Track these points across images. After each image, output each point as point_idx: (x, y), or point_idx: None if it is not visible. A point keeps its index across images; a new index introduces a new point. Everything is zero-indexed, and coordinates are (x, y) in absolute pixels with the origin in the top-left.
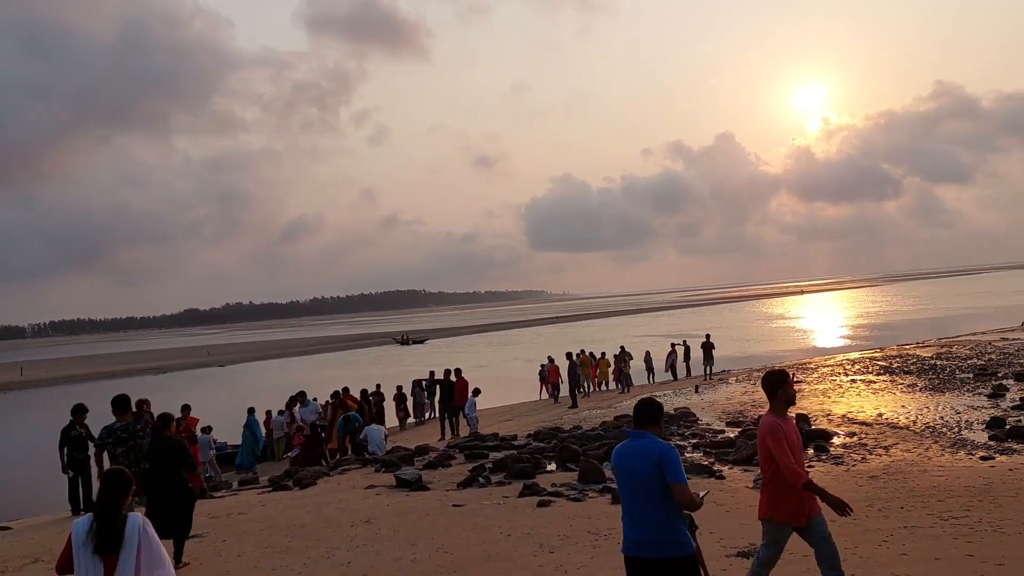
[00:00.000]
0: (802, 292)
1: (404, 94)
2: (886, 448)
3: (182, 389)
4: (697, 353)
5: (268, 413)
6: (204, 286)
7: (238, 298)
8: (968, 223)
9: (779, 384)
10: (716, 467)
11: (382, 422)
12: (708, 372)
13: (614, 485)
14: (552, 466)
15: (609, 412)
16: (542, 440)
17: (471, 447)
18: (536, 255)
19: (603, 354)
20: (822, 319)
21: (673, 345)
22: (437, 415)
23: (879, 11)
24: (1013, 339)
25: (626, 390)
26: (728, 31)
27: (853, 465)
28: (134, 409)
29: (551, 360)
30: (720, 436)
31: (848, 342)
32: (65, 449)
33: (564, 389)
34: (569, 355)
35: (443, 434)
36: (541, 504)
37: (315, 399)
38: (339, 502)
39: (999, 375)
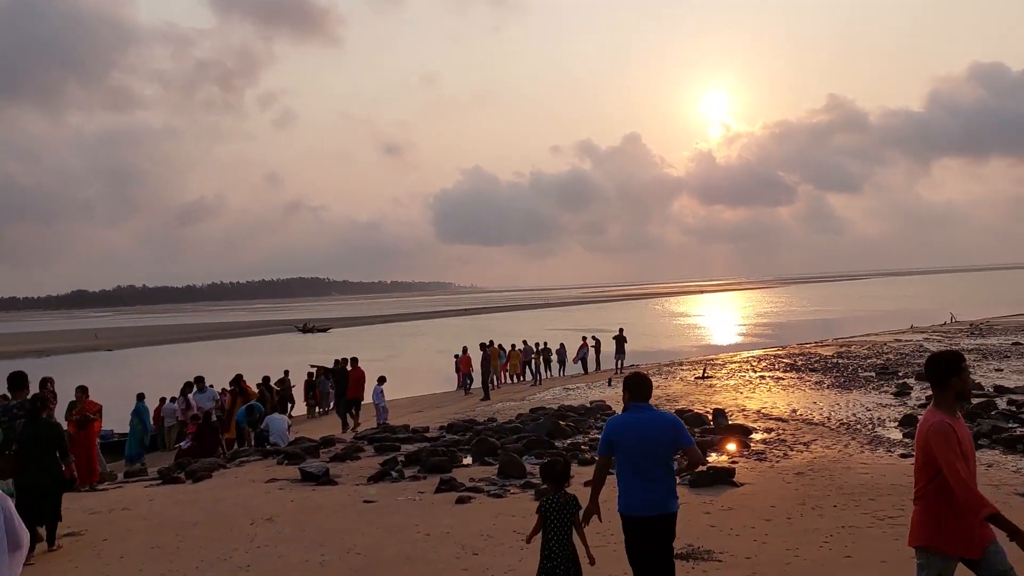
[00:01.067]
0: (702, 292)
1: (313, 79)
2: (806, 444)
3: (66, 374)
4: (608, 347)
5: (162, 400)
6: (94, 267)
7: (131, 280)
8: (855, 230)
9: (953, 371)
10: None
11: (284, 411)
12: (620, 365)
13: (536, 480)
14: (468, 460)
15: (523, 405)
16: (456, 433)
17: (381, 439)
18: (443, 246)
19: (513, 346)
20: (723, 318)
21: (584, 338)
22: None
23: (779, 25)
24: (906, 340)
25: (538, 382)
26: (638, 35)
27: (776, 461)
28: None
29: (465, 350)
30: None
31: (750, 340)
32: None
33: (478, 380)
34: (483, 346)
35: (344, 427)
36: (460, 501)
37: (211, 386)
38: (237, 497)
39: (900, 374)
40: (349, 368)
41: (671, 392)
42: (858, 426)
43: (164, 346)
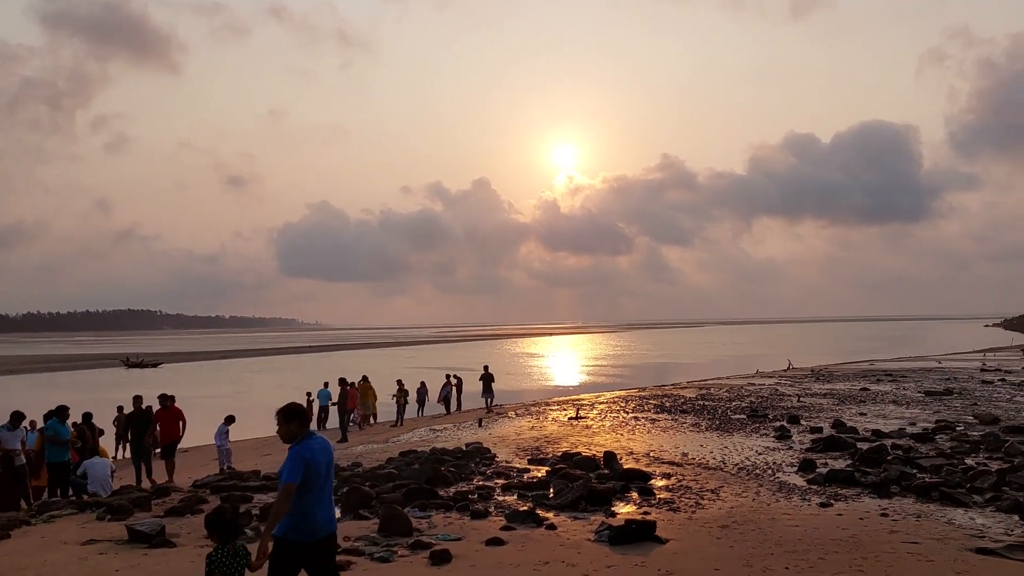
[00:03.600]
0: (550, 334)
1: (150, 105)
2: (714, 491)
3: None
4: (473, 386)
5: None
6: None
7: None
8: (687, 280)
9: None
10: (540, 513)
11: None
12: (489, 404)
13: (427, 538)
14: (337, 512)
15: (389, 447)
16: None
17: (227, 487)
18: (287, 282)
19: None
20: (575, 359)
21: (448, 376)
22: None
23: (620, 84)
24: (759, 384)
25: (400, 423)
26: (491, 81)
27: (692, 512)
28: None
29: (346, 383)
30: (527, 476)
31: (606, 380)
32: None
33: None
34: (343, 382)
35: (137, 479)
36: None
37: (28, 426)
38: (42, 567)
39: (769, 417)
40: (158, 408)
41: (548, 433)
42: (757, 471)
43: None
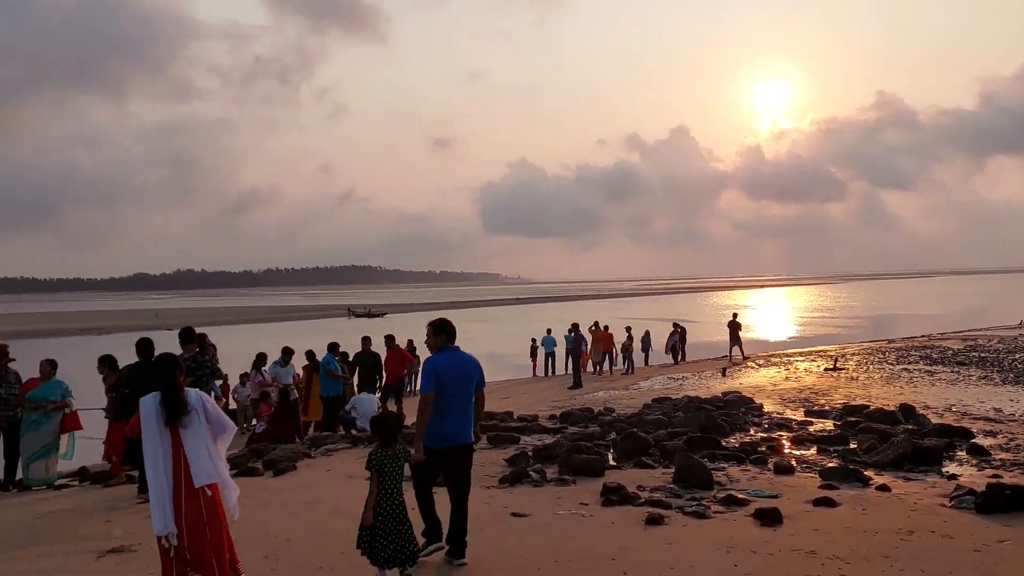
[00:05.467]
0: (761, 286)
1: (363, 74)
2: None
3: (125, 350)
4: (711, 334)
5: (242, 377)
6: (155, 251)
7: (190, 265)
8: (909, 227)
9: None
10: (863, 472)
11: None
12: (732, 354)
13: (736, 493)
14: (610, 458)
15: (632, 394)
16: (577, 423)
17: (490, 428)
18: (489, 238)
19: (606, 327)
20: (792, 310)
21: (675, 325)
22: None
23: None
24: (1020, 334)
25: (631, 370)
26: (687, 27)
27: None
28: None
29: (578, 329)
30: (812, 428)
31: (838, 331)
32: None
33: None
34: (575, 327)
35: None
36: (651, 521)
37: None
38: (336, 500)
39: None
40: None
41: (809, 384)
42: None
43: (223, 327)
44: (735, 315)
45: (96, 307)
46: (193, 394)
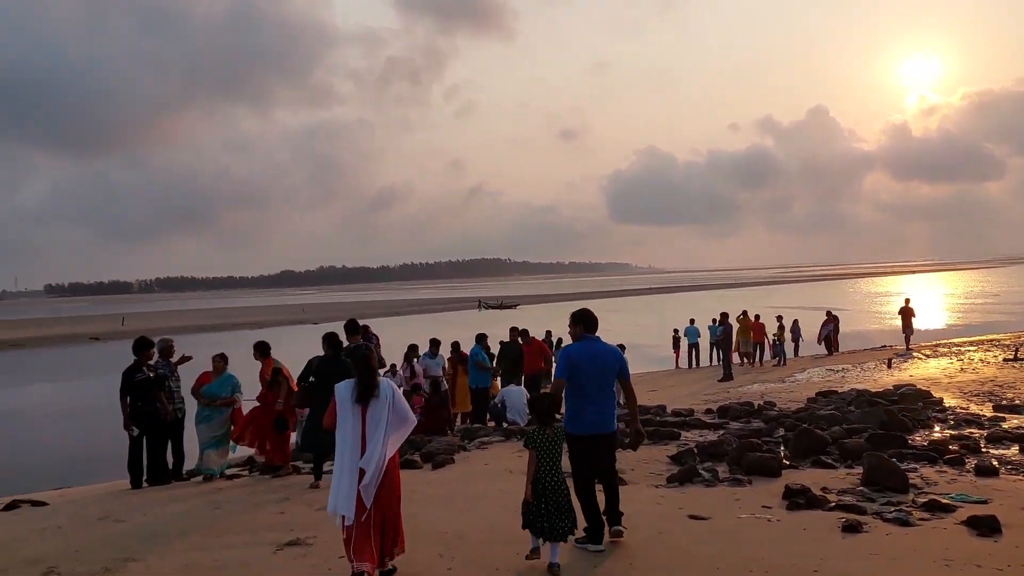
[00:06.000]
0: (906, 272)
1: (491, 70)
2: None
3: (276, 343)
4: (864, 323)
5: (391, 367)
6: (299, 249)
7: (331, 261)
8: None
9: None
10: None
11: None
12: (907, 342)
13: (937, 497)
14: (783, 456)
15: (790, 387)
16: (737, 419)
17: (645, 422)
18: (618, 228)
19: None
20: (952, 297)
21: (829, 314)
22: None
23: None
24: None
25: (783, 362)
26: (820, 1)
27: None
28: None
29: (727, 319)
30: (1005, 425)
31: (1012, 319)
32: (128, 399)
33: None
34: (724, 317)
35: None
36: (849, 528)
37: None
38: (500, 495)
39: None
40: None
41: (990, 376)
42: None
43: (364, 320)
44: (907, 301)
45: (248, 303)
46: (384, 383)
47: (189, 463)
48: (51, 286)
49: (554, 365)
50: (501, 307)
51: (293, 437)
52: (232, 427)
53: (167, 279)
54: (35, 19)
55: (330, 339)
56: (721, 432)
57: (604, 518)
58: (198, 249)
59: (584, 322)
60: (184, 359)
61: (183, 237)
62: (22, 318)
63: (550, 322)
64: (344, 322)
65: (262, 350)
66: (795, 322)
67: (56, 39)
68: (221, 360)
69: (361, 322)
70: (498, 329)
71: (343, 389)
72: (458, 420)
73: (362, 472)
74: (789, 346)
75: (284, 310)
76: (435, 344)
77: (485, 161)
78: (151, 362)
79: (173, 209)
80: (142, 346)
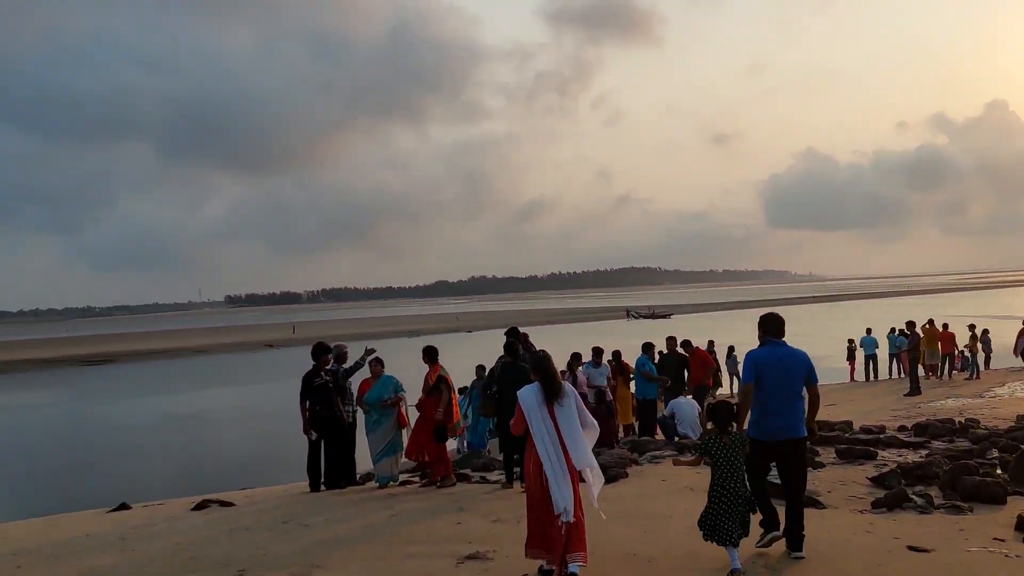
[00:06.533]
0: None
1: (639, 78)
2: None
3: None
4: None
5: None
6: (452, 260)
7: (482, 272)
8: None
9: None
10: None
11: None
12: None
13: None
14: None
15: (992, 403)
16: (940, 438)
17: (834, 439)
18: (775, 233)
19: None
20: None
21: None
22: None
23: None
24: None
25: (976, 375)
26: None
27: None
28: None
29: (914, 328)
30: None
31: None
32: (307, 403)
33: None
34: (910, 326)
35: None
36: None
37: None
38: (685, 515)
39: None
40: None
41: None
42: None
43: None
44: None
45: (405, 312)
46: (567, 386)
47: (360, 467)
48: (230, 297)
49: (723, 375)
50: (652, 316)
51: (454, 443)
52: (400, 428)
53: (332, 290)
54: (215, 51)
55: (510, 347)
56: (924, 452)
57: (782, 536)
58: (359, 261)
59: (766, 326)
60: (368, 352)
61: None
62: (205, 326)
63: (710, 332)
64: (505, 330)
65: (431, 355)
66: (984, 331)
67: (234, 68)
68: (378, 364)
69: (521, 330)
70: (652, 339)
71: (527, 394)
72: (619, 432)
73: (580, 473)
74: (980, 357)
75: (439, 319)
76: (598, 353)
77: (633, 169)
78: (328, 367)
79: (337, 224)
80: (320, 351)
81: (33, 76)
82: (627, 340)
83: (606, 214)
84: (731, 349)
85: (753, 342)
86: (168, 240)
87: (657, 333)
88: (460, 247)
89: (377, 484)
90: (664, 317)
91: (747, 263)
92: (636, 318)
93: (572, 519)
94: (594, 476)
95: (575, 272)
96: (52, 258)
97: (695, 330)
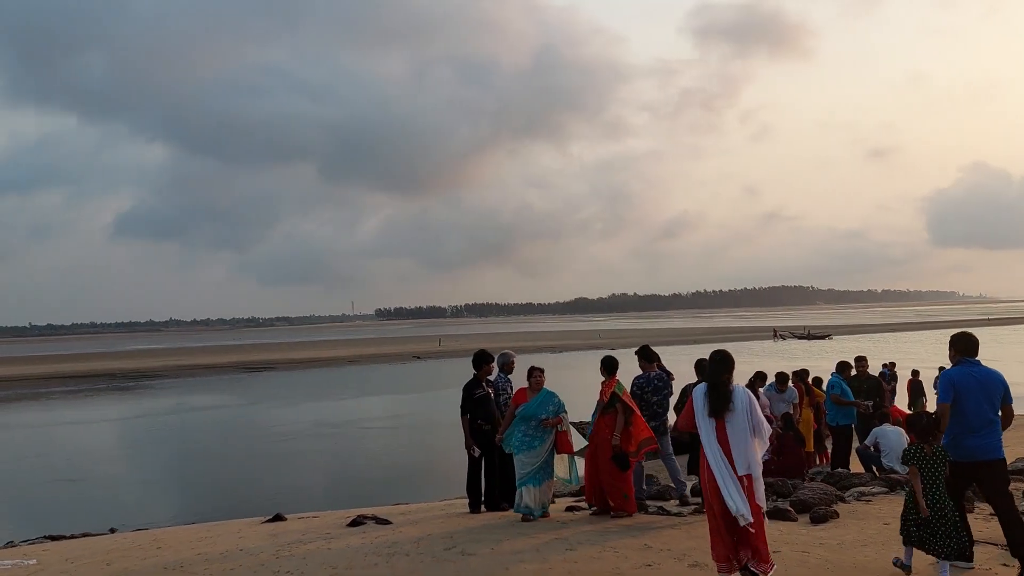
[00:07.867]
0: None
1: (789, 92)
2: None
3: (576, 367)
4: None
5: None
6: (592, 277)
7: (623, 289)
8: None
9: None
10: None
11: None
12: None
13: None
14: None
15: None
16: None
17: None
18: (939, 252)
19: None
20: None
21: None
22: None
23: None
24: None
25: None
26: None
27: None
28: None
29: None
30: None
31: None
32: (468, 416)
33: None
34: None
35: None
36: None
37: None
38: (929, 571)
39: None
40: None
41: None
42: None
43: (658, 347)
44: None
45: (547, 328)
46: (740, 391)
47: None
48: (380, 310)
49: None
50: (809, 337)
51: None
52: (556, 451)
53: (475, 305)
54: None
55: (700, 365)
56: None
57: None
58: (501, 277)
59: (958, 345)
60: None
61: (488, 266)
62: (357, 338)
63: (879, 354)
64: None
65: (609, 367)
66: None
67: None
68: (541, 373)
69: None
70: (806, 360)
71: (699, 395)
72: (817, 461)
73: (747, 478)
74: None
75: (580, 335)
76: (783, 379)
77: (782, 185)
78: (490, 377)
79: (480, 242)
80: (483, 360)
81: (212, 105)
82: (772, 361)
83: (752, 231)
84: (915, 374)
85: (929, 363)
86: (326, 256)
87: (812, 356)
88: (601, 264)
89: (521, 517)
90: (821, 338)
91: (908, 283)
92: (786, 339)
93: (751, 519)
94: (756, 482)
95: (721, 290)
96: (223, 272)
97: (863, 352)
